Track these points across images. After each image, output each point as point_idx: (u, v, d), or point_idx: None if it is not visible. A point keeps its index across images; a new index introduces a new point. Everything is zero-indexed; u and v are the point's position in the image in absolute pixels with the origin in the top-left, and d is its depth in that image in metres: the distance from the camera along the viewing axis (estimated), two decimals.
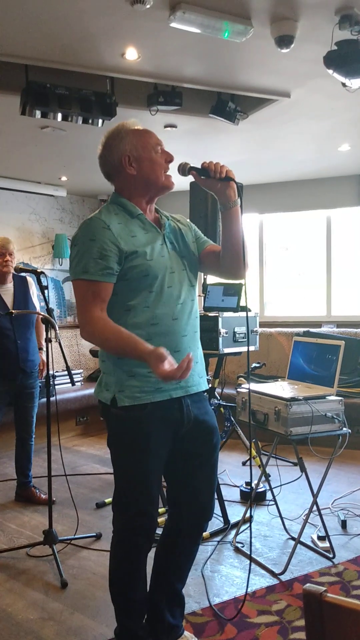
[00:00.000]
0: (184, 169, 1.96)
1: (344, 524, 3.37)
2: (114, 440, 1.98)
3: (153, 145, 1.95)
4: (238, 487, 4.00)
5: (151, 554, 2.09)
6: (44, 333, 3.31)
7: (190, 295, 2.01)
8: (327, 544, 3.05)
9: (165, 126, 4.36)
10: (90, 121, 3.71)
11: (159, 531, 2.20)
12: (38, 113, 3.54)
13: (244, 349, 3.64)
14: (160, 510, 3.15)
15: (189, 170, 1.96)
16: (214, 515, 3.46)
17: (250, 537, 2.90)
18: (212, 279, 3.89)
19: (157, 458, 1.94)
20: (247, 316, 2.29)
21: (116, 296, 1.88)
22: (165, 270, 1.92)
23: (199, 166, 1.95)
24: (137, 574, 2.03)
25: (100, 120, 3.72)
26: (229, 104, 3.91)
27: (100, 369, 2.03)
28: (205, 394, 2.10)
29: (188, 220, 2.19)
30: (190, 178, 2.01)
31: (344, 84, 3.07)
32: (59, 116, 3.61)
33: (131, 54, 3.24)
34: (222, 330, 3.50)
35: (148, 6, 2.66)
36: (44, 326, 3.44)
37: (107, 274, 1.84)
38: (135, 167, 1.94)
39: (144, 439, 1.90)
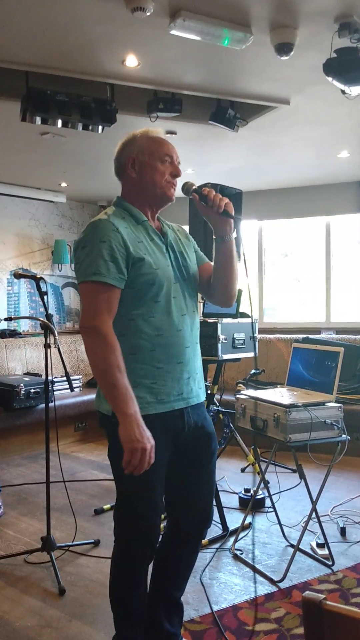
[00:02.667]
0: (187, 190, 1.98)
1: (343, 531, 3.36)
2: (116, 451, 1.93)
3: (161, 154, 1.94)
4: (237, 493, 3.99)
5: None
6: None
7: (192, 306, 2.01)
8: (326, 552, 3.04)
9: (165, 133, 4.37)
10: (90, 128, 3.72)
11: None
12: (38, 119, 3.55)
13: (243, 355, 3.64)
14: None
15: (192, 192, 1.97)
16: (213, 522, 3.46)
17: (252, 544, 2.90)
18: None
19: (160, 466, 1.91)
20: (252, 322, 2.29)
21: (121, 303, 1.84)
22: (170, 280, 1.90)
23: (201, 189, 1.96)
24: (138, 583, 2.00)
25: (100, 127, 3.74)
26: (228, 111, 3.92)
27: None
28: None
29: (187, 232, 2.19)
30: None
31: (343, 91, 3.08)
32: (59, 122, 3.62)
33: (131, 60, 3.25)
34: (221, 337, 3.49)
35: (148, 14, 2.67)
36: None
37: (119, 279, 1.80)
38: (137, 170, 1.93)
39: None
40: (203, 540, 3.21)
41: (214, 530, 3.39)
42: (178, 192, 2.00)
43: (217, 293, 2.07)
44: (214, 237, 2.00)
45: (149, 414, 1.86)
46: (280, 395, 3.08)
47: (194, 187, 1.97)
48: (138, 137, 1.95)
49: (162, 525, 2.99)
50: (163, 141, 1.98)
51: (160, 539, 2.17)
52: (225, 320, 3.57)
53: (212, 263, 2.08)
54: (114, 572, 2.02)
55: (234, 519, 3.57)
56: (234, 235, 2.00)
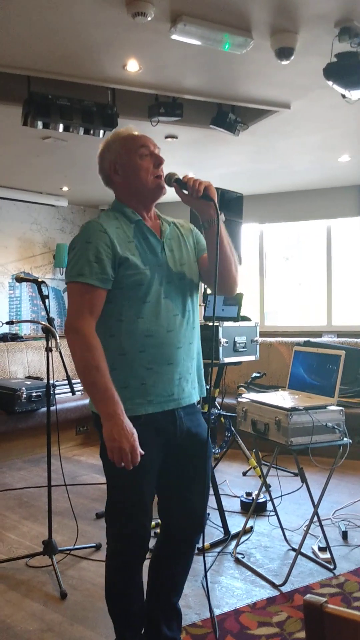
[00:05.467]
0: (169, 180, 1.93)
1: (344, 535, 3.35)
2: (105, 452, 1.93)
3: (136, 148, 1.92)
4: (238, 497, 3.98)
5: (146, 564, 2.08)
6: None
7: (187, 306, 1.97)
8: (327, 555, 3.03)
9: (166, 137, 4.39)
10: (91, 132, 3.73)
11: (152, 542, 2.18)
12: (40, 124, 3.56)
13: (244, 358, 3.64)
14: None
15: (173, 182, 1.92)
16: (215, 526, 3.47)
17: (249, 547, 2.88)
18: None
19: (149, 469, 1.91)
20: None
21: (110, 304, 1.85)
22: (161, 280, 1.89)
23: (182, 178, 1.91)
24: (133, 584, 2.01)
25: (101, 131, 3.75)
26: (229, 115, 3.93)
27: None
28: (198, 405, 2.07)
29: (191, 224, 2.15)
30: None
31: (343, 96, 3.09)
32: (61, 127, 3.64)
33: (132, 65, 3.26)
34: (223, 340, 3.49)
35: (149, 18, 2.68)
36: None
37: (102, 280, 1.81)
38: (121, 174, 1.94)
39: None
40: (205, 544, 3.21)
41: (216, 534, 3.39)
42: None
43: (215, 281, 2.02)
44: (201, 223, 1.96)
45: (140, 415, 1.85)
46: (282, 398, 3.08)
47: (175, 177, 1.92)
48: (111, 142, 1.96)
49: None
50: (134, 135, 1.97)
51: (155, 544, 2.16)
52: (226, 323, 3.57)
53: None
54: (108, 574, 2.03)
55: (236, 523, 3.57)
56: (223, 218, 1.97)
